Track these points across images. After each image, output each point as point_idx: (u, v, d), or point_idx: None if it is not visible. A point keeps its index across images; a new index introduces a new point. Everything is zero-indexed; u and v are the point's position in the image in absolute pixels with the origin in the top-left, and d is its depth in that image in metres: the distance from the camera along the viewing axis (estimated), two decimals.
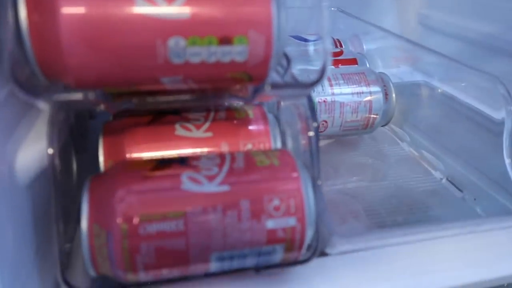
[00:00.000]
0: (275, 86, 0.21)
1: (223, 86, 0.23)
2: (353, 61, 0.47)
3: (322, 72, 0.20)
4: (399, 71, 0.52)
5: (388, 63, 0.53)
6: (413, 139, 0.47)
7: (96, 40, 0.18)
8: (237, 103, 0.29)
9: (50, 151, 0.21)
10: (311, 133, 0.25)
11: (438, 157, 0.42)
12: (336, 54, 0.47)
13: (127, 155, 0.26)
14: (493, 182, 0.35)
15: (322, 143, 0.44)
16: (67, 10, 0.18)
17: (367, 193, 0.38)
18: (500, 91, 0.31)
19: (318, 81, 0.20)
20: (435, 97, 0.46)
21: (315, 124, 0.26)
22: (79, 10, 0.18)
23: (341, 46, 0.53)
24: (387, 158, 0.44)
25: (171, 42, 0.19)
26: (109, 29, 0.18)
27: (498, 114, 0.34)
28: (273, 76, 0.24)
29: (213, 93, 0.23)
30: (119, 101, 0.21)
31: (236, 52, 0.20)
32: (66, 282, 0.21)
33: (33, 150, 0.21)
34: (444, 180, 0.38)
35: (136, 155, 0.26)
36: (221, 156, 0.23)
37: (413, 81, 0.49)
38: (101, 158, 0.26)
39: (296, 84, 0.22)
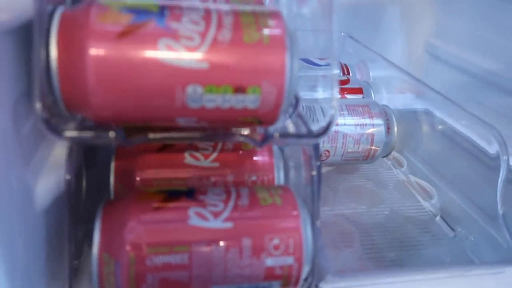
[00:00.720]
0: (283, 135, 0.22)
1: (233, 126, 0.24)
2: (359, 91, 0.48)
3: (328, 126, 0.22)
4: (402, 98, 0.53)
5: (392, 90, 0.55)
6: (411, 166, 0.48)
7: (120, 82, 0.20)
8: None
9: (68, 177, 0.23)
10: (314, 173, 0.27)
11: (435, 185, 0.43)
12: (342, 83, 0.48)
13: (137, 179, 0.27)
14: (487, 216, 0.36)
15: (323, 170, 0.45)
16: (94, 52, 0.19)
17: (364, 220, 0.39)
18: (496, 138, 0.32)
19: (324, 132, 0.22)
20: (435, 126, 0.47)
21: (317, 163, 0.27)
22: (106, 52, 0.19)
23: (348, 72, 0.54)
24: (385, 183, 0.46)
25: (190, 89, 0.20)
26: (133, 73, 0.20)
27: (492, 149, 0.35)
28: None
29: (224, 131, 0.24)
30: (133, 139, 0.23)
31: (249, 100, 0.21)
32: None
33: (52, 177, 0.22)
34: (438, 218, 0.39)
35: (146, 180, 0.27)
36: (227, 192, 0.24)
37: (414, 109, 0.50)
38: (111, 181, 0.27)
39: (303, 135, 0.23)
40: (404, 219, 0.40)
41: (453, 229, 0.37)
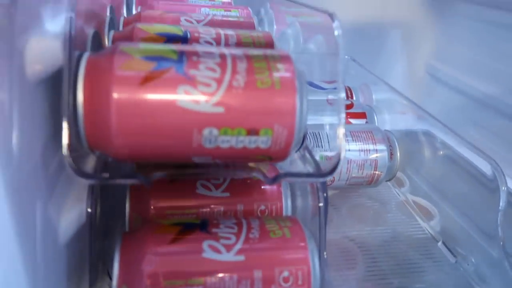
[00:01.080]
0: (293, 174, 0.24)
1: (245, 162, 0.25)
2: (362, 115, 0.50)
3: (337, 164, 0.23)
4: (404, 119, 0.55)
5: (394, 112, 0.56)
6: (414, 185, 0.49)
7: (141, 125, 0.21)
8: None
9: (89, 209, 0.24)
10: (321, 204, 0.28)
11: (436, 205, 0.44)
12: (346, 107, 0.50)
13: (151, 207, 0.29)
14: (487, 237, 0.37)
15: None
16: (118, 97, 0.21)
17: (367, 242, 0.40)
18: (497, 170, 0.33)
19: (332, 171, 0.23)
20: (436, 147, 0.48)
21: (324, 195, 0.28)
22: (129, 97, 0.21)
23: (352, 96, 0.56)
24: (388, 203, 0.47)
25: (206, 131, 0.21)
26: (153, 117, 0.21)
27: (490, 170, 0.36)
28: None
29: (236, 167, 0.26)
30: (151, 176, 0.24)
31: (261, 141, 0.22)
32: None
33: (73, 210, 0.24)
34: (440, 243, 0.40)
35: (159, 208, 0.29)
36: (238, 224, 0.25)
37: (415, 130, 0.51)
38: (127, 211, 0.28)
39: (312, 174, 0.24)
40: (406, 241, 0.41)
41: (454, 255, 0.38)
